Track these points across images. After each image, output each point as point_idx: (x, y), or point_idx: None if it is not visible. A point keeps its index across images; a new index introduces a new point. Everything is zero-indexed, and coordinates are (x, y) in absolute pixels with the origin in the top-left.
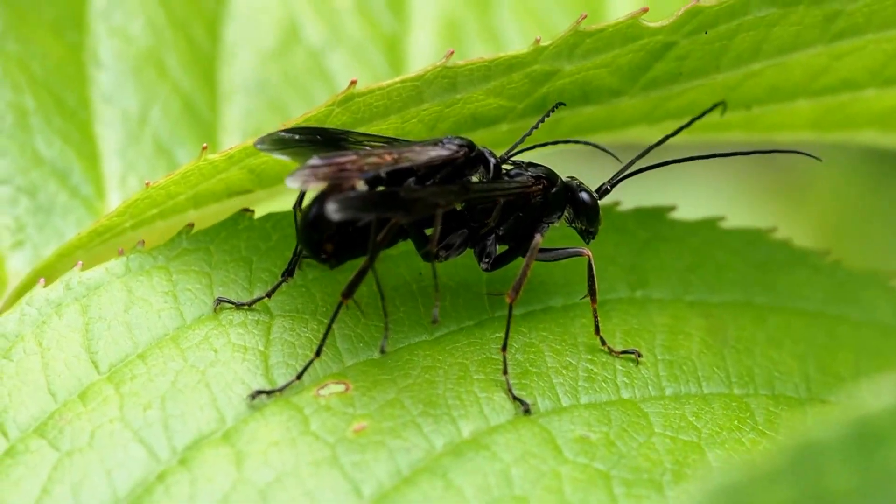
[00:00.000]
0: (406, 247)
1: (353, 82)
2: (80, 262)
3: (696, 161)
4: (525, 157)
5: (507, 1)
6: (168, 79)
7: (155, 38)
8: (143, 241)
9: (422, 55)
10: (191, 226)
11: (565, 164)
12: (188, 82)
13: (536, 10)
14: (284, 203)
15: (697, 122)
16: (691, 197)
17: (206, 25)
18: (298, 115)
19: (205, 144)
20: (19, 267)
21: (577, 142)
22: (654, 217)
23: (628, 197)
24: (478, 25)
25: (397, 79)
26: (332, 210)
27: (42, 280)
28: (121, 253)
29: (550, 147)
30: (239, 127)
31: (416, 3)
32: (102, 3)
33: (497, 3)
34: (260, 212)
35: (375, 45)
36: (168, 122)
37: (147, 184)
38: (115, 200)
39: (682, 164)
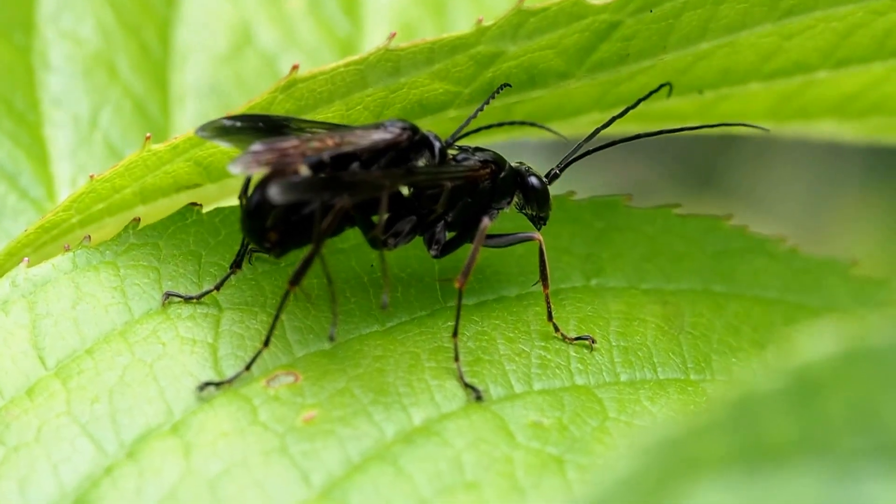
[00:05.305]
0: (357, 239)
1: (296, 67)
2: (27, 259)
3: (650, 158)
4: (473, 143)
5: (462, 2)
6: (119, 82)
7: (105, 41)
8: (90, 237)
9: None
10: (137, 220)
11: (514, 154)
12: (139, 85)
13: (493, 10)
14: (235, 199)
15: (652, 113)
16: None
17: (157, 29)
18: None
19: (148, 135)
20: None
21: (522, 123)
22: (610, 206)
23: (583, 188)
24: (434, 27)
25: (340, 62)
26: (275, 193)
27: None
28: (67, 249)
29: (499, 137)
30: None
31: (370, 6)
32: (52, 6)
33: (452, 4)
34: (210, 208)
35: (329, 48)
36: (119, 125)
37: (91, 176)
38: None
39: (635, 159)
